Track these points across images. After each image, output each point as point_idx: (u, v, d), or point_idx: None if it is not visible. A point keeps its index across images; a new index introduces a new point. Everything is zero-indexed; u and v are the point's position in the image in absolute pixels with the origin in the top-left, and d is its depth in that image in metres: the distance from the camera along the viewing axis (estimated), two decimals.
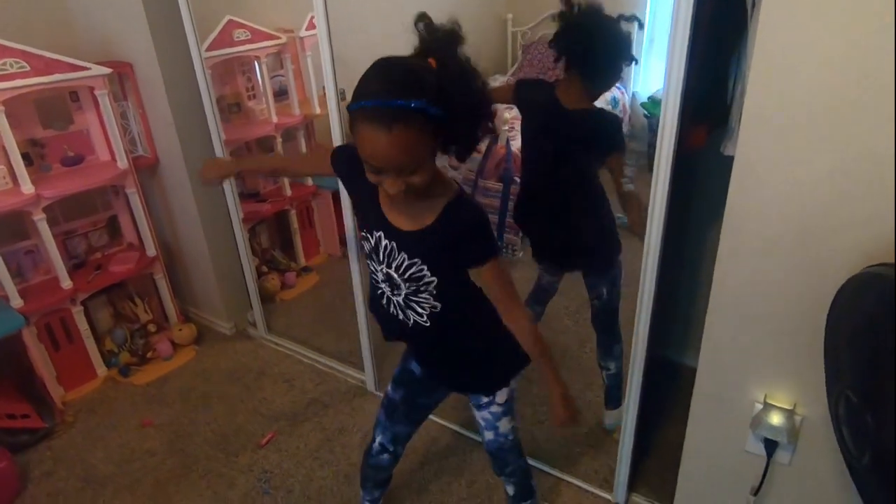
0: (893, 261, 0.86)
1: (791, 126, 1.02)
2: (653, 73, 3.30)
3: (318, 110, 2.82)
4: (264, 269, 2.81)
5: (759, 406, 1.25)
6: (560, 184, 1.60)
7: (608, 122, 1.59)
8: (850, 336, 0.90)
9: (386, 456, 1.40)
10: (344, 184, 1.24)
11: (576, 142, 1.55)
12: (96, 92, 2.05)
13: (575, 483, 1.73)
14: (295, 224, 2.93)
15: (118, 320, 2.42)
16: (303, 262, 3.01)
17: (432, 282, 1.08)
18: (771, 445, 1.27)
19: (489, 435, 1.32)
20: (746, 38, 1.29)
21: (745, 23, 1.27)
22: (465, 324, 1.18)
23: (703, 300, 1.26)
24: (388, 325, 1.21)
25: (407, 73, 0.91)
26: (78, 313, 2.17)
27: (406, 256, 1.07)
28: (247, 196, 2.77)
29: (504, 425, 1.29)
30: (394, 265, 1.09)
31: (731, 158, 1.20)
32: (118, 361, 2.31)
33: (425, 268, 1.06)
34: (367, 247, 1.14)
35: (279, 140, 2.73)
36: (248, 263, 2.42)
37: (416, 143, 0.90)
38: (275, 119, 2.68)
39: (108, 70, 2.05)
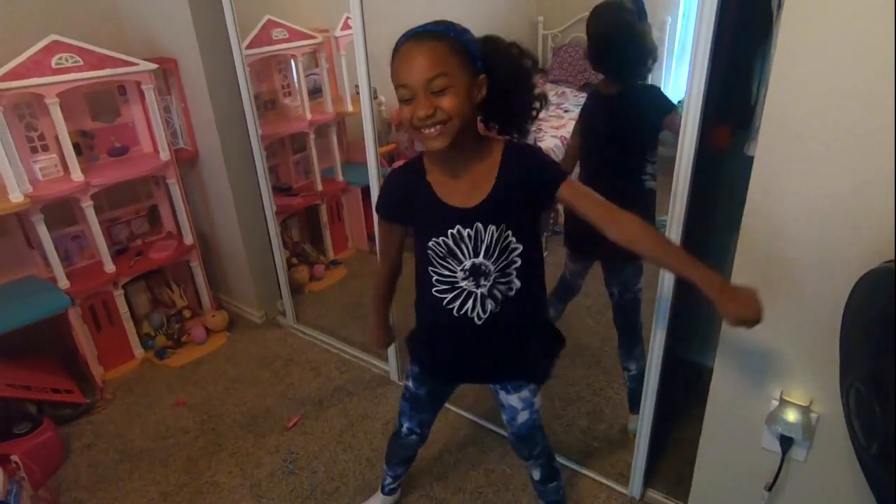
0: None
1: (809, 126, 1.04)
2: (683, 79, 3.29)
3: (350, 108, 2.91)
4: (294, 261, 2.90)
5: (776, 403, 1.27)
6: (618, 170, 1.63)
7: (649, 92, 1.61)
8: (864, 329, 0.92)
9: (415, 437, 1.46)
10: (403, 220, 1.22)
11: (627, 120, 1.58)
12: (143, 86, 2.17)
13: (592, 476, 1.76)
14: (325, 218, 3.02)
15: (155, 305, 2.53)
16: (331, 255, 3.09)
17: (517, 249, 1.12)
18: (786, 442, 1.28)
19: (524, 415, 1.31)
20: (771, 41, 1.31)
21: (770, 25, 1.30)
22: (529, 303, 1.20)
23: None
24: (453, 333, 1.21)
25: (456, 22, 1.03)
26: (119, 297, 2.28)
27: (494, 228, 1.09)
28: (279, 190, 2.86)
29: (538, 401, 1.32)
30: (482, 248, 1.10)
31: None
32: (155, 344, 2.42)
33: (510, 233, 1.10)
34: (438, 254, 1.13)
35: (312, 136, 2.82)
36: (279, 255, 2.51)
37: (444, 57, 0.98)
38: (308, 116, 2.77)
39: (154, 66, 2.16)
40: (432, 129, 0.99)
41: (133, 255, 2.37)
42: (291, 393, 2.19)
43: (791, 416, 1.25)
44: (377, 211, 1.24)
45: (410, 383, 1.39)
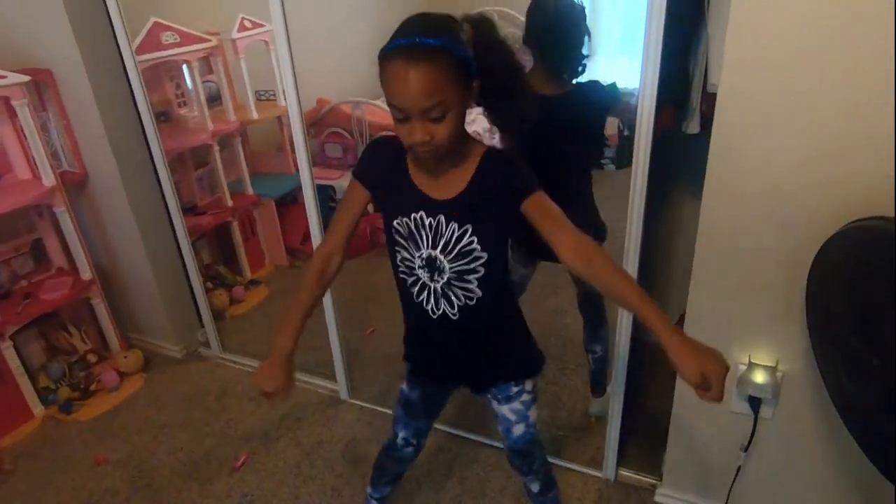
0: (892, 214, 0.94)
1: (764, 96, 1.10)
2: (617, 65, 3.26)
3: (255, 115, 2.71)
4: (209, 285, 2.64)
5: (744, 367, 1.33)
6: (560, 171, 1.51)
7: (594, 91, 1.54)
8: (847, 287, 0.98)
9: (410, 449, 1.37)
10: (373, 188, 1.13)
11: (577, 119, 1.52)
12: (13, 102, 1.85)
13: (564, 465, 1.76)
14: (238, 236, 2.79)
15: (52, 353, 2.19)
16: (249, 275, 2.87)
17: (481, 258, 1.06)
18: (755, 403, 1.36)
19: (520, 429, 1.27)
20: (704, 26, 1.38)
21: (702, 11, 1.37)
22: (493, 315, 1.16)
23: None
24: (415, 318, 1.19)
25: (441, 19, 0.96)
26: (7, 349, 1.95)
27: (456, 227, 1.04)
28: (184, 210, 2.59)
29: (533, 414, 1.27)
30: (441, 243, 1.06)
31: (701, 138, 1.29)
32: (57, 398, 2.10)
33: (475, 239, 1.05)
34: (400, 234, 1.10)
35: (216, 148, 2.60)
36: (196, 280, 2.29)
37: (441, 83, 0.90)
38: (210, 126, 2.55)
39: (26, 78, 1.86)
40: (426, 149, 0.97)
41: (19, 299, 2.03)
42: (232, 430, 1.99)
43: (759, 377, 1.32)
44: (354, 173, 1.15)
45: (404, 385, 1.32)
